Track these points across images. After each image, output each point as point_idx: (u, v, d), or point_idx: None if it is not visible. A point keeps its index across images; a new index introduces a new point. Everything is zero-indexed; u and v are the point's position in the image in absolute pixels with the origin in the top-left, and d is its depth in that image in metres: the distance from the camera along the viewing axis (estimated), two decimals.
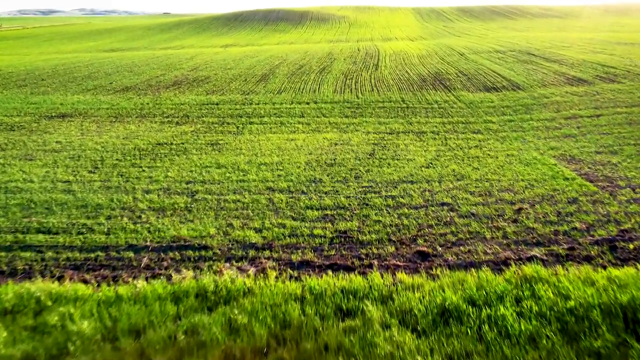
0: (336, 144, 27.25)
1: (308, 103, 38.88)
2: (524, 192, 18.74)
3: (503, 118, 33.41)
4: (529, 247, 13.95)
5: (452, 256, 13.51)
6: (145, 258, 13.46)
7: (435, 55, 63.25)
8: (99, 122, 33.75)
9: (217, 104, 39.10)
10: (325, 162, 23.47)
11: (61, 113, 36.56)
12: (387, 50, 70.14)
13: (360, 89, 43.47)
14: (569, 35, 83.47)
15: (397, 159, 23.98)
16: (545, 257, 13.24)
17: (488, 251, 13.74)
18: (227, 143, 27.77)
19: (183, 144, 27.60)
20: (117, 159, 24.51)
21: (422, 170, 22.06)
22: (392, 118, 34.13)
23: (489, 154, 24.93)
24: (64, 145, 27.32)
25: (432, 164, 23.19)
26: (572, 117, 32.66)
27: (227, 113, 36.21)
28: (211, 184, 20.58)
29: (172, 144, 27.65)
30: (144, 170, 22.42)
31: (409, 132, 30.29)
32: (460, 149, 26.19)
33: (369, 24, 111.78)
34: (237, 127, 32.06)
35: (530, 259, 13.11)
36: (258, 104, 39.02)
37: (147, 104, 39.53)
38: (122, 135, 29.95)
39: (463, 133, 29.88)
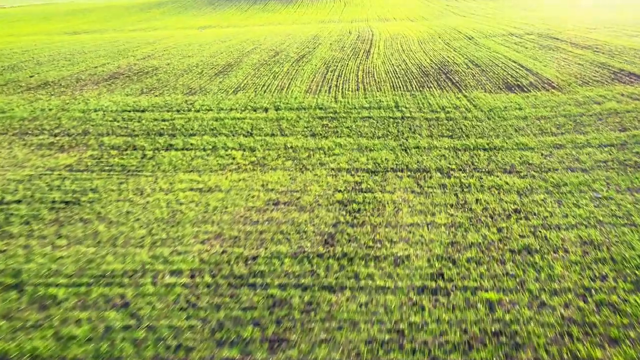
0: (276, 204, 14.85)
1: (267, 110, 26.29)
2: None
3: (544, 140, 20.82)
4: None
5: None
6: None
7: (439, 39, 49.93)
8: None
9: (142, 111, 26.59)
10: (233, 270, 11.13)
11: None
12: (383, 32, 56.71)
13: (342, 87, 30.72)
14: (588, 15, 69.24)
15: (376, 258, 11.60)
16: None
17: None
18: (93, 200, 15.42)
19: (19, 202, 15.25)
20: None
21: (429, 313, 9.70)
22: (378, 139, 21.59)
23: (546, 242, 12.50)
24: None
25: (443, 277, 10.79)
26: None
27: (146, 128, 23.73)
28: None
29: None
30: None
31: (402, 171, 17.83)
32: (492, 218, 13.76)
33: (365, 2, 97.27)
34: (142, 158, 19.66)
35: None
36: (198, 110, 26.46)
37: (49, 110, 27.04)
38: None
39: (489, 174, 17.38)
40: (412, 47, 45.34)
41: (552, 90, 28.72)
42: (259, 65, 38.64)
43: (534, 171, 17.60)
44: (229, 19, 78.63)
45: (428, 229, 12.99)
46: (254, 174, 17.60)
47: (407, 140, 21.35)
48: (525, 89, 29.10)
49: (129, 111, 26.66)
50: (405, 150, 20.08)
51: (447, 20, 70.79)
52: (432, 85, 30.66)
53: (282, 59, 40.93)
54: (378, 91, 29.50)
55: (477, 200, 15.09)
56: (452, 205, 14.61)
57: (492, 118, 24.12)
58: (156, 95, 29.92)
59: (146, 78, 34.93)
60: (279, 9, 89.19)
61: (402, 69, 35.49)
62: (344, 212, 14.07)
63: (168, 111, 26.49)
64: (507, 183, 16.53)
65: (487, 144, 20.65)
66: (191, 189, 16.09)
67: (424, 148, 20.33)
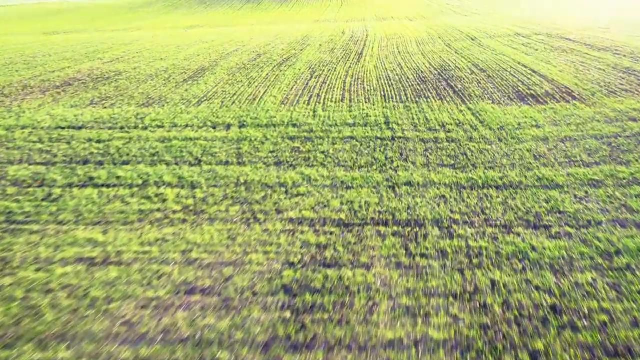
0: (190, 292, 9.56)
1: (229, 127, 21.00)
2: None
3: (574, 173, 15.44)
4: None
5: None
6: None
7: (439, 39, 44.43)
8: None
9: (79, 128, 21.35)
10: None
11: None
12: (378, 33, 51.21)
13: (325, 97, 25.36)
14: (596, 14, 63.37)
15: None
16: None
17: None
18: None
19: None
20: None
21: None
22: (360, 169, 16.24)
23: None
24: None
25: None
26: None
27: (72, 152, 18.48)
28: None
29: None
30: None
31: (386, 224, 12.52)
32: (519, 326, 8.43)
33: (363, 0, 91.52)
34: (44, 199, 14.41)
35: None
36: (146, 127, 21.18)
37: None
38: None
39: (506, 230, 12.05)
40: (409, 48, 39.87)
41: (574, 101, 23.30)
42: (236, 69, 33.31)
43: (569, 225, 12.22)
44: (220, 18, 73.18)
45: (418, 357, 7.62)
46: (182, 229, 12.28)
47: (396, 172, 15.99)
48: (541, 100, 23.69)
49: (64, 128, 21.38)
50: (393, 188, 14.72)
51: (448, 19, 65.19)
52: (430, 95, 25.27)
53: (263, 61, 35.57)
54: (366, 102, 24.13)
55: (492, 284, 9.72)
56: (455, 296, 9.25)
57: (504, 139, 18.74)
58: (105, 107, 24.63)
59: (103, 85, 29.64)
60: (273, 8, 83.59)
61: (397, 74, 30.09)
62: (288, 313, 8.73)
63: (110, 128, 21.20)
64: (533, 248, 11.15)
65: (501, 179, 15.26)
66: (78, 260, 10.79)
67: (418, 185, 14.97)
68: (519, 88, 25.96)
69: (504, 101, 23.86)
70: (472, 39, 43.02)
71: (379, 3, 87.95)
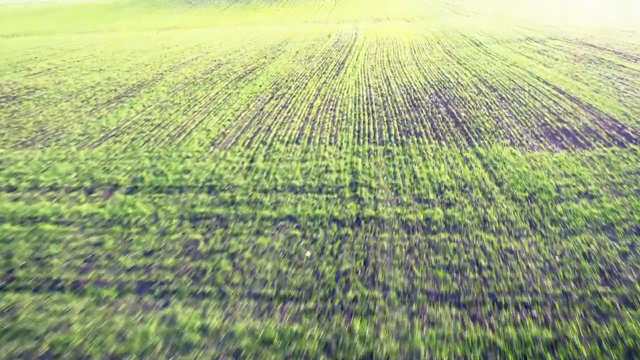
0: None
1: (112, 191, 12.97)
2: None
3: None
4: None
5: None
6: None
7: (438, 44, 35.99)
8: None
9: None
10: None
11: None
12: (369, 36, 42.77)
13: (277, 133, 17.31)
14: (609, 13, 54.44)
15: None
16: None
17: None
18: None
19: None
20: None
21: None
22: (282, 309, 8.21)
23: None
24: None
25: None
26: None
27: None
28: None
29: None
30: None
31: None
32: None
33: (358, 0, 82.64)
34: None
35: None
36: None
37: None
38: None
39: None
40: (402, 57, 31.51)
41: (631, 145, 15.13)
42: (183, 84, 25.20)
43: None
44: (203, 19, 64.84)
45: None
46: None
47: (351, 318, 7.97)
48: (581, 140, 15.54)
49: None
50: None
51: (448, 20, 56.50)
52: (423, 130, 17.11)
53: (220, 74, 27.41)
54: (330, 144, 16.02)
55: None
56: None
57: (540, 225, 10.60)
58: None
59: (0, 109, 21.62)
60: (262, 8, 75.01)
61: (382, 95, 21.89)
62: None
63: None
64: None
65: (552, 347, 7.09)
66: None
67: None
68: (546, 118, 17.77)
69: (527, 141, 15.71)
70: (477, 45, 34.61)
71: (375, 2, 79.14)
